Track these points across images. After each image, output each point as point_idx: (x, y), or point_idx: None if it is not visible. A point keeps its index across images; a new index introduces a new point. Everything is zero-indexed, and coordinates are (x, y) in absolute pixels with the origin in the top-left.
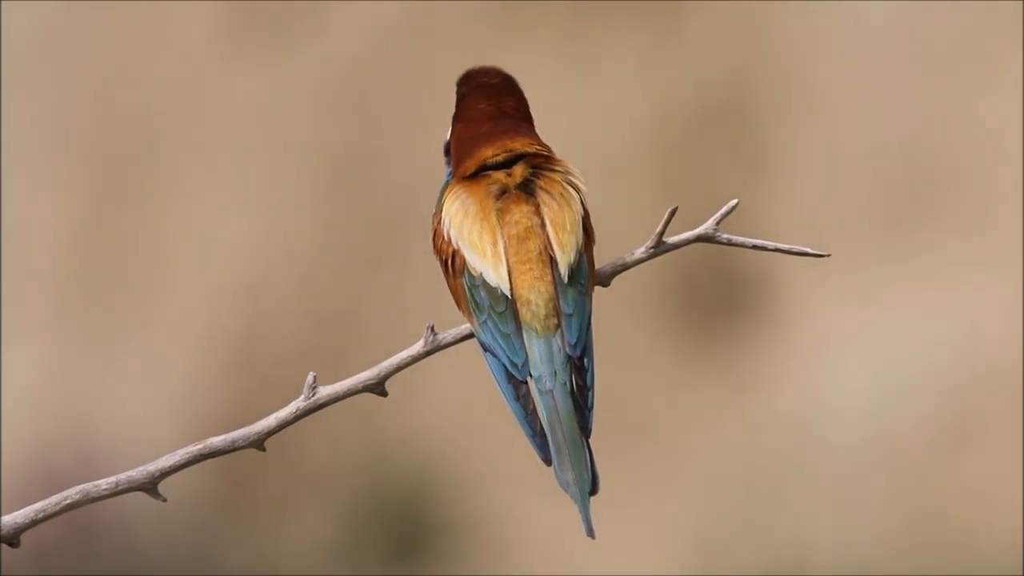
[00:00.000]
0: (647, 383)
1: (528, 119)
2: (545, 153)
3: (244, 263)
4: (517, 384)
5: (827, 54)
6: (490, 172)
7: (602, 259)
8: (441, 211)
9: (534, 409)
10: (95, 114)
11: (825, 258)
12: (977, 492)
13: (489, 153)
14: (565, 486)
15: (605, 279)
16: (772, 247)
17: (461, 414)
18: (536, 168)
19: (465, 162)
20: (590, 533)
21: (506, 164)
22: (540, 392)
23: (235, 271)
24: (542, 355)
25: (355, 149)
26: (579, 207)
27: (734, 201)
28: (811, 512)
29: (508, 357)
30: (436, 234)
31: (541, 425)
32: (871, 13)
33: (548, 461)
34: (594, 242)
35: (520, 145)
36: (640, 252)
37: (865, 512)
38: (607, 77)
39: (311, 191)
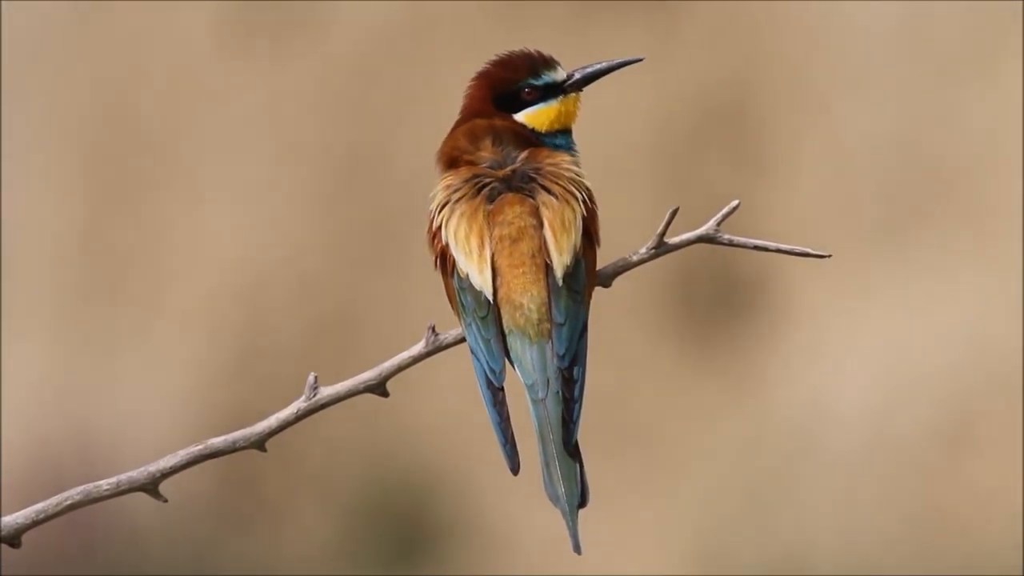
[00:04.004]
0: (648, 383)
1: (486, 106)
2: (510, 126)
3: (245, 263)
4: (495, 390)
5: (827, 54)
6: (480, 162)
7: (603, 259)
8: (433, 206)
9: (508, 416)
10: (95, 114)
11: (826, 259)
12: (977, 492)
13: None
14: (554, 499)
15: (606, 279)
16: (773, 248)
17: (462, 415)
18: (539, 165)
19: (444, 159)
20: (576, 549)
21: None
22: (533, 401)
23: (236, 271)
24: (535, 362)
25: (355, 149)
26: (581, 208)
27: (735, 202)
28: (811, 512)
29: (487, 362)
30: (430, 229)
31: (513, 434)
32: (871, 13)
33: (515, 471)
34: (598, 245)
35: (500, 121)
36: (641, 252)
37: (865, 512)
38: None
39: (311, 191)
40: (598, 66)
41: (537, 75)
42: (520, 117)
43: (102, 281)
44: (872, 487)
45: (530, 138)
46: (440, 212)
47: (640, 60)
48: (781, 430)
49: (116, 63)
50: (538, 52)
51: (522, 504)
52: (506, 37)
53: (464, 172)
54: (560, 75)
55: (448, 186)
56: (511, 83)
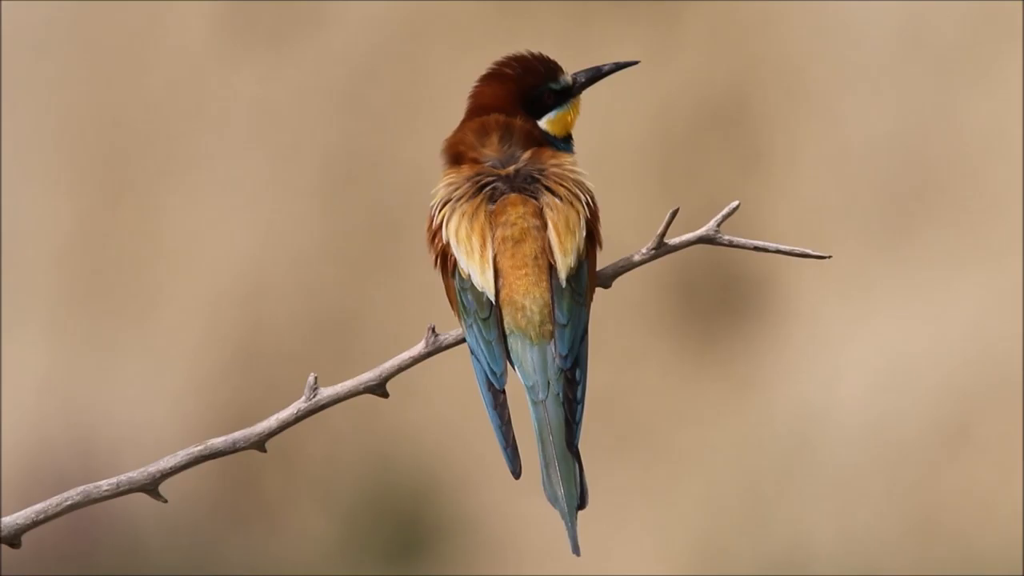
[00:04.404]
0: (648, 383)
1: (510, 106)
2: (527, 127)
3: (245, 263)
4: (496, 392)
5: (827, 54)
6: (484, 159)
7: (603, 260)
8: (434, 202)
9: (509, 419)
10: (95, 114)
11: (826, 259)
12: (977, 492)
13: (464, 137)
14: (553, 501)
15: (606, 280)
16: (773, 248)
17: (461, 415)
18: (543, 166)
19: (449, 152)
20: (575, 550)
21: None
22: (533, 402)
23: (236, 271)
24: (536, 364)
25: (355, 149)
26: (585, 210)
27: (735, 202)
28: (811, 512)
29: (488, 364)
30: (430, 227)
31: (514, 437)
32: (871, 13)
33: (517, 474)
34: (600, 247)
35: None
36: (641, 253)
37: (865, 512)
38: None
39: (311, 191)
40: (598, 69)
41: (556, 80)
42: (543, 123)
43: (102, 281)
44: (872, 487)
45: (539, 139)
46: (441, 210)
47: (636, 63)
48: (781, 430)
49: (116, 63)
50: (543, 55)
51: (522, 505)
52: (506, 37)
53: (466, 170)
54: (569, 79)
55: (450, 184)
56: (534, 87)
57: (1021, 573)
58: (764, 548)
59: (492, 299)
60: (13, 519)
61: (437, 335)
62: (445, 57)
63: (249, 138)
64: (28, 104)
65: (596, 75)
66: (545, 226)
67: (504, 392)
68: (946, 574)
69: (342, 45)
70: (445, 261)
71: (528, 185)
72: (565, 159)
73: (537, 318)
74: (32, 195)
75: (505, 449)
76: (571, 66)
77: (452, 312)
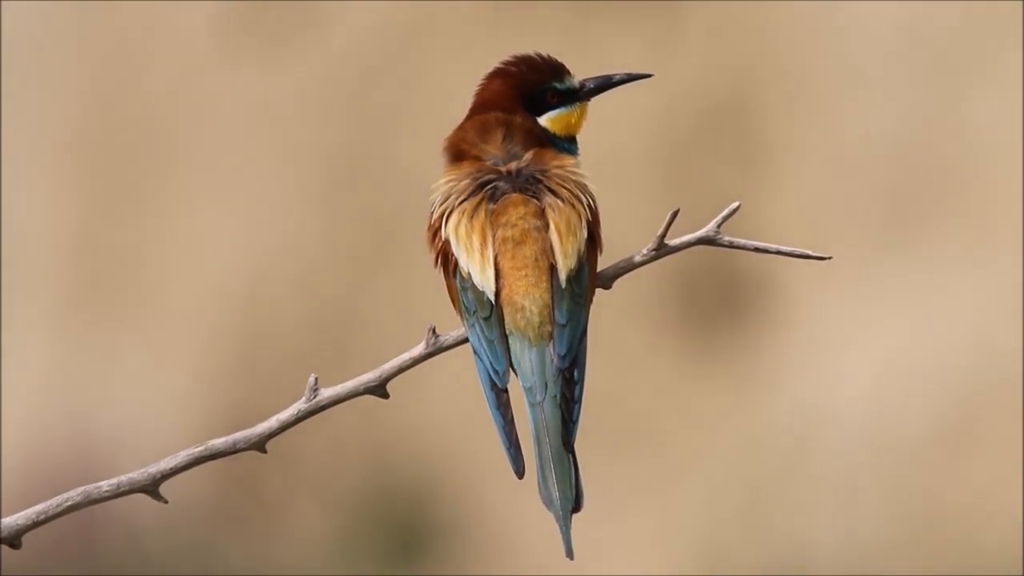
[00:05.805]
0: (648, 384)
1: (510, 103)
2: (528, 125)
3: (245, 264)
4: (499, 392)
5: (827, 54)
6: (485, 157)
7: (604, 261)
8: (434, 198)
9: (512, 419)
10: (95, 115)
11: (826, 260)
12: (977, 492)
13: (464, 135)
14: (548, 503)
15: (607, 281)
16: (774, 250)
17: (462, 415)
18: (546, 167)
19: (451, 149)
20: (569, 554)
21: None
22: (530, 404)
23: (236, 272)
24: (534, 365)
25: (355, 149)
26: (586, 211)
27: (736, 203)
28: (811, 512)
29: (491, 363)
30: (430, 226)
31: (517, 436)
32: (871, 13)
33: (520, 474)
34: (600, 249)
35: (494, 118)
36: (642, 254)
37: (865, 512)
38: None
39: (311, 192)
40: (609, 78)
41: (561, 80)
42: (543, 120)
43: (102, 281)
44: (872, 487)
45: (540, 138)
46: (441, 208)
47: (650, 76)
48: (781, 431)
49: (116, 63)
50: (550, 56)
51: (522, 505)
52: (506, 37)
53: (467, 167)
54: (575, 82)
55: (450, 181)
56: (537, 84)
57: (1021, 573)
58: (764, 549)
59: (492, 299)
60: (13, 519)
61: (437, 336)
62: (445, 57)
63: (249, 138)
64: (28, 104)
65: (606, 83)
66: (546, 226)
67: (507, 391)
68: (946, 574)
69: (343, 45)
70: (446, 260)
71: (530, 186)
72: (568, 161)
73: (536, 319)
74: (32, 195)
75: (508, 449)
76: (572, 67)
77: (453, 312)
